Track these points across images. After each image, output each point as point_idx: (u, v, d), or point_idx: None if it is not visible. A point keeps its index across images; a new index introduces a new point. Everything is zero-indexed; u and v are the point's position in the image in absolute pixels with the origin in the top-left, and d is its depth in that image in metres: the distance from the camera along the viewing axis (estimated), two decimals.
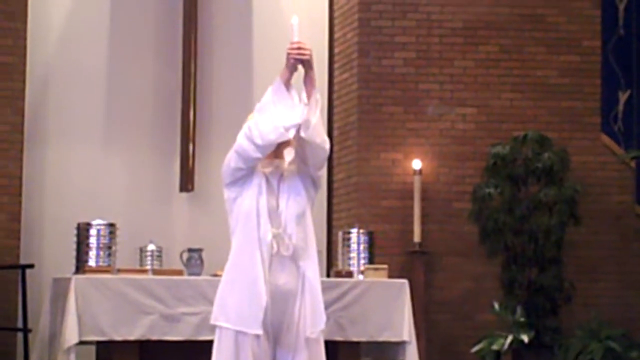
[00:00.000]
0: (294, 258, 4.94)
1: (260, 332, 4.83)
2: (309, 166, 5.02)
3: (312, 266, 4.99)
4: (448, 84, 9.34)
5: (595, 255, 9.21)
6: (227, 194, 4.97)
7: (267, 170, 4.97)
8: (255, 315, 4.82)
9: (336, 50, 9.68)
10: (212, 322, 4.94)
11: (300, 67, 4.95)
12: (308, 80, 4.94)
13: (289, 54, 4.91)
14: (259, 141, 4.80)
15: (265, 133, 4.79)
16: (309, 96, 4.91)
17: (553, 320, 8.56)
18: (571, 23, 9.50)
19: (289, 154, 4.96)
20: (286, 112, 4.81)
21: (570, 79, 9.45)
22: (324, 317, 5.00)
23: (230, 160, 4.92)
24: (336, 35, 9.69)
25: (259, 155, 4.85)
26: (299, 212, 4.96)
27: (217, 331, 4.92)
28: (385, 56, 9.30)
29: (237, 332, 4.85)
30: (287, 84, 4.86)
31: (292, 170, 5.01)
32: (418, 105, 9.29)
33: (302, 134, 4.85)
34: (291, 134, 4.82)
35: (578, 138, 9.36)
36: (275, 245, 4.88)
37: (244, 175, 4.92)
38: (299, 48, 4.92)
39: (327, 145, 4.99)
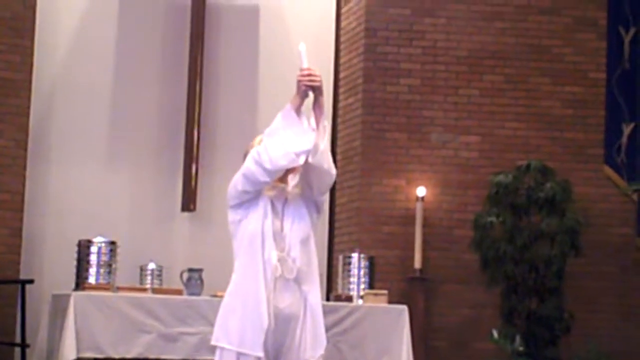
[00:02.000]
0: (297, 281, 4.94)
1: (261, 354, 4.82)
2: (314, 191, 5.02)
3: (315, 291, 4.99)
4: (452, 111, 9.35)
5: (596, 287, 9.20)
6: (232, 216, 4.97)
7: (272, 193, 4.98)
8: (257, 337, 4.81)
9: (341, 75, 9.71)
10: (213, 342, 4.93)
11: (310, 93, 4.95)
12: (317, 106, 4.94)
13: (299, 80, 4.89)
14: (268, 166, 4.80)
15: (275, 158, 4.79)
16: (317, 122, 4.92)
17: (552, 350, 8.54)
18: (577, 54, 9.52)
19: (293, 179, 4.96)
20: (297, 138, 4.81)
21: (575, 110, 9.47)
22: (324, 342, 5.00)
23: (237, 183, 4.92)
24: (342, 60, 9.71)
25: (267, 179, 4.86)
26: (304, 236, 4.97)
27: (218, 352, 4.91)
28: (390, 82, 9.33)
29: (239, 354, 4.84)
30: (298, 111, 4.87)
31: (296, 195, 5.02)
32: (422, 132, 9.30)
33: (310, 159, 4.86)
34: (301, 160, 4.83)
35: (581, 169, 9.36)
36: (279, 268, 4.88)
37: (250, 198, 4.92)
38: (310, 75, 4.90)
39: (334, 171, 5.01)
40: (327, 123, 4.99)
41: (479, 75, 9.41)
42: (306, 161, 4.85)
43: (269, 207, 4.93)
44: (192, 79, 9.20)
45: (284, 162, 4.80)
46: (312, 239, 5.03)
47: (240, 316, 4.85)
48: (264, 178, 4.84)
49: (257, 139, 5.07)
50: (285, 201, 5.00)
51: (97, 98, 9.24)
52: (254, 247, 4.88)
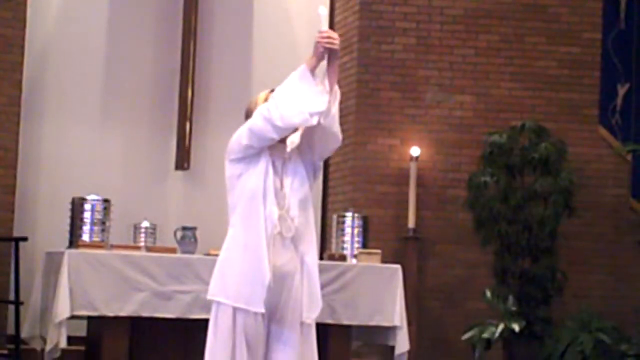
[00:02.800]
0: (294, 241, 4.93)
1: (262, 310, 4.82)
2: (315, 154, 5.02)
3: (312, 252, 4.99)
4: (447, 71, 9.33)
5: (589, 247, 9.22)
6: (231, 170, 4.94)
7: (272, 151, 4.96)
8: (259, 293, 4.80)
9: (337, 33, 9.63)
10: (209, 297, 4.91)
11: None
12: (332, 69, 4.91)
13: (318, 42, 4.85)
14: (279, 123, 4.78)
15: (288, 116, 4.77)
16: (331, 85, 4.91)
17: (544, 310, 8.58)
18: (572, 15, 9.49)
19: (293, 142, 4.95)
20: (312, 98, 4.80)
21: (570, 71, 9.45)
22: (320, 304, 5.00)
23: (242, 137, 4.88)
24: (337, 19, 9.67)
25: (275, 136, 4.84)
26: (302, 197, 4.96)
27: (214, 307, 4.90)
28: (385, 41, 9.29)
29: (236, 309, 4.83)
30: (312, 72, 4.85)
31: (296, 155, 5.00)
32: (416, 92, 9.28)
33: (322, 121, 4.85)
34: (314, 121, 4.81)
35: (575, 130, 9.36)
36: (278, 226, 4.87)
37: (252, 153, 4.90)
38: (329, 37, 4.86)
39: (341, 137, 5.01)
40: (337, 87, 4.97)
41: (475, 35, 9.37)
42: (318, 123, 4.84)
43: (270, 165, 4.92)
44: (186, 38, 9.16)
45: (296, 121, 4.79)
46: (310, 201, 5.03)
47: (239, 271, 4.84)
48: (272, 134, 4.82)
49: (261, 95, 5.05)
50: (284, 161, 4.99)
51: (91, 55, 9.19)
52: (255, 202, 4.86)
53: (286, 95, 4.81)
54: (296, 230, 4.91)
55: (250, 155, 4.89)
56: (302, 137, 4.95)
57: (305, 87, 4.81)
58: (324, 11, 4.98)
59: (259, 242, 4.82)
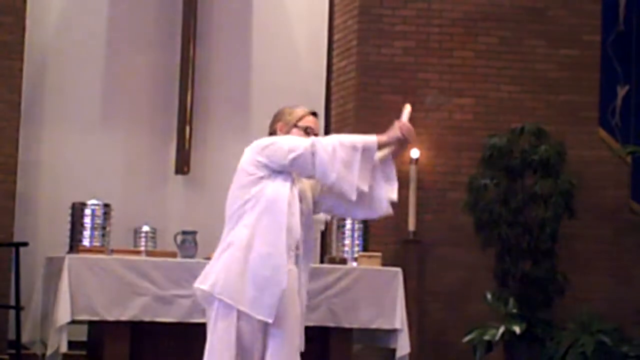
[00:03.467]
0: (298, 257, 4.94)
1: (271, 320, 4.79)
2: (320, 206, 5.08)
3: (307, 272, 5.02)
4: (447, 74, 9.33)
5: (589, 249, 9.22)
6: (255, 170, 4.86)
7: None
8: (273, 304, 4.77)
9: (335, 37, 9.67)
10: (216, 294, 4.79)
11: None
12: (392, 158, 5.02)
13: (401, 127, 4.94)
14: (319, 172, 4.76)
15: (339, 179, 4.76)
16: (392, 175, 5.02)
17: (545, 312, 8.58)
18: (572, 17, 9.49)
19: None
20: (366, 176, 4.81)
21: (569, 73, 9.45)
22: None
23: (285, 153, 4.82)
24: (336, 22, 9.67)
25: (309, 175, 4.84)
26: (310, 212, 5.00)
27: (216, 305, 4.86)
28: (384, 45, 9.29)
29: (240, 313, 4.79)
30: (380, 148, 4.90)
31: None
32: (416, 95, 9.28)
33: (353, 197, 4.86)
34: (354, 197, 4.82)
35: (575, 132, 9.36)
36: (296, 239, 4.90)
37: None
38: (410, 129, 4.99)
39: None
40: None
41: (474, 37, 9.38)
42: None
43: (292, 176, 4.91)
44: (185, 43, 9.16)
45: (345, 188, 4.78)
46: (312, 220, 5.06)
47: (253, 278, 4.74)
48: (307, 172, 4.81)
49: (299, 111, 5.04)
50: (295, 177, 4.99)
51: (90, 61, 9.19)
52: (277, 209, 4.81)
53: (346, 156, 4.77)
54: (304, 247, 4.94)
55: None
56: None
57: (364, 161, 4.80)
58: (409, 108, 5.15)
59: (281, 251, 4.78)
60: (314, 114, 5.12)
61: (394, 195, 5.01)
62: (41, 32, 9.07)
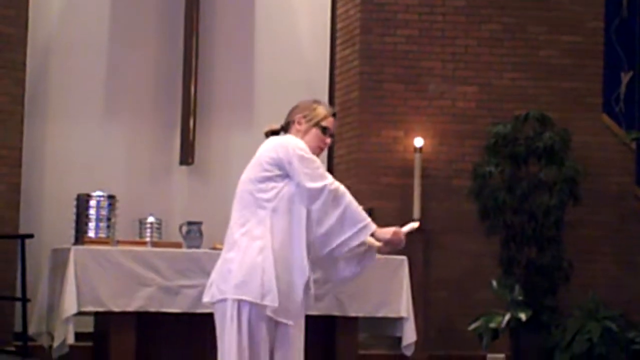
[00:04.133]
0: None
1: (292, 322, 4.80)
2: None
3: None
4: (450, 62, 9.32)
5: (594, 236, 9.22)
6: (278, 170, 4.78)
7: None
8: (298, 308, 4.78)
9: (338, 26, 9.65)
10: (235, 296, 4.67)
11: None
12: (373, 253, 4.99)
13: (396, 233, 4.93)
14: (319, 213, 4.73)
15: (325, 226, 4.74)
16: (366, 260, 4.97)
17: (551, 299, 8.57)
18: (575, 3, 9.47)
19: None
20: (345, 245, 4.80)
21: (573, 60, 9.44)
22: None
23: (318, 178, 4.74)
24: (339, 12, 9.66)
25: (308, 206, 4.76)
26: None
27: (234, 305, 4.71)
28: (387, 33, 9.28)
29: (259, 310, 4.76)
30: (370, 235, 4.86)
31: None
32: (420, 83, 9.27)
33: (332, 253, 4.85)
34: (320, 254, 4.82)
35: (579, 118, 9.35)
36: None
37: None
38: (402, 241, 4.99)
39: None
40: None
41: (477, 25, 9.37)
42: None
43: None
44: (189, 32, 9.16)
45: (324, 234, 4.76)
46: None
47: (282, 282, 4.72)
48: (313, 204, 4.74)
49: (321, 109, 4.95)
50: None
51: (93, 52, 9.19)
52: (299, 215, 4.79)
53: (345, 220, 4.76)
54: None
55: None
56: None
57: (356, 237, 4.78)
58: (416, 224, 5.19)
59: (303, 257, 4.76)
60: (335, 115, 5.08)
61: (349, 275, 5.00)
62: (44, 25, 9.07)
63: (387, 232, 4.93)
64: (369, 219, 4.84)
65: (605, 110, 9.46)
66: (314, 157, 4.83)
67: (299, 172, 4.75)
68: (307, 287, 4.83)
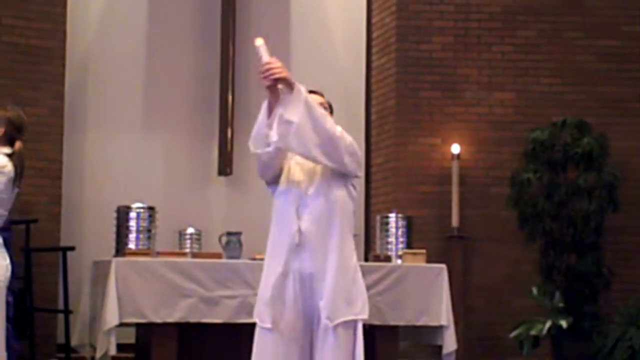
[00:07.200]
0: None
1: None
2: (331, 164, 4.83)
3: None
4: (486, 68, 9.31)
5: (634, 242, 9.16)
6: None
7: None
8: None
9: (374, 34, 9.67)
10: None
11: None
12: (289, 97, 4.72)
13: (262, 77, 4.68)
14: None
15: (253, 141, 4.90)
16: (275, 112, 4.76)
17: (592, 306, 8.54)
18: (610, 8, 9.43)
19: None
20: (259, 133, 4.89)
21: (610, 64, 9.39)
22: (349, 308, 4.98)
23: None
24: (374, 20, 9.67)
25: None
26: None
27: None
28: (423, 41, 9.29)
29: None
30: (273, 105, 4.76)
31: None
32: (456, 90, 9.27)
33: (280, 145, 4.77)
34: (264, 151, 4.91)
35: (617, 123, 9.29)
36: None
37: None
38: (268, 69, 4.67)
39: (333, 134, 4.78)
40: (300, 89, 4.75)
41: (513, 31, 9.35)
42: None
43: None
44: (225, 43, 9.20)
45: (253, 149, 4.92)
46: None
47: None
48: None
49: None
50: None
51: (131, 64, 9.26)
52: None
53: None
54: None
55: None
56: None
57: (260, 120, 4.80)
58: (260, 42, 4.72)
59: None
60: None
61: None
62: (81, 38, 9.14)
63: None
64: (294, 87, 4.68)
65: None
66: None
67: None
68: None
